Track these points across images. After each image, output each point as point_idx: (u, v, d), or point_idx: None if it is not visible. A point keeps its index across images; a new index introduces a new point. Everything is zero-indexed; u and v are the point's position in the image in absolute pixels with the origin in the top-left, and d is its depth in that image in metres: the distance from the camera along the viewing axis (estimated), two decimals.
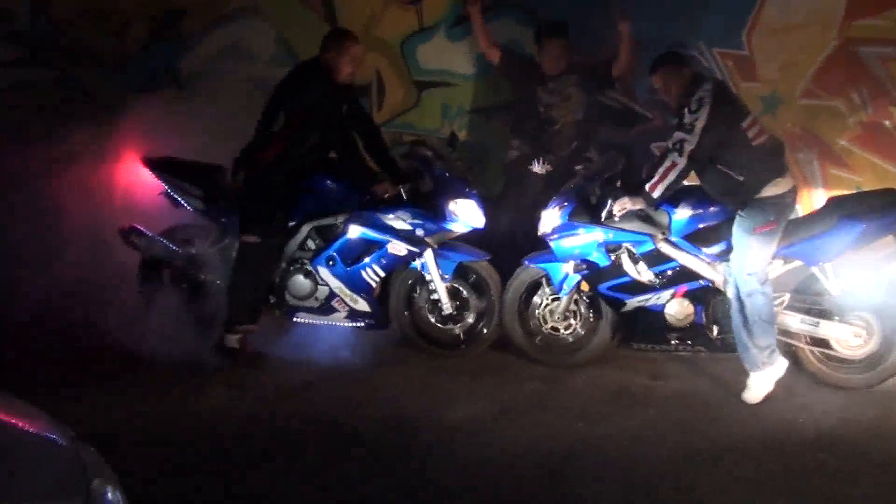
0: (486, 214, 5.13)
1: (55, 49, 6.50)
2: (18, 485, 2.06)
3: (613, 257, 4.80)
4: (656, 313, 4.82)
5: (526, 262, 5.08)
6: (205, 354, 4.93)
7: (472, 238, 5.23)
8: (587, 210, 4.82)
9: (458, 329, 5.26)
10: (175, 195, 5.23)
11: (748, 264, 4.45)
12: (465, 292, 5.23)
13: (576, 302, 5.08)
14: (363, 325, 5.20)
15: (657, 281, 4.78)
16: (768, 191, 4.48)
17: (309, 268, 5.13)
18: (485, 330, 5.26)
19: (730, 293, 4.55)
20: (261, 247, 4.97)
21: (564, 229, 4.82)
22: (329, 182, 5.13)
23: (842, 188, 5.57)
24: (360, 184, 5.15)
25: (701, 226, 4.67)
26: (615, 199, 4.60)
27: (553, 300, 5.09)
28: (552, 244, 4.88)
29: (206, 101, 5.84)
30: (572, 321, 5.12)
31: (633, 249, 4.77)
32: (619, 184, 4.76)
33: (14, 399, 2.44)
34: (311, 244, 5.18)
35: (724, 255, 4.62)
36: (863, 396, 4.61)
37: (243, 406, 4.45)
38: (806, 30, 5.64)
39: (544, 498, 3.59)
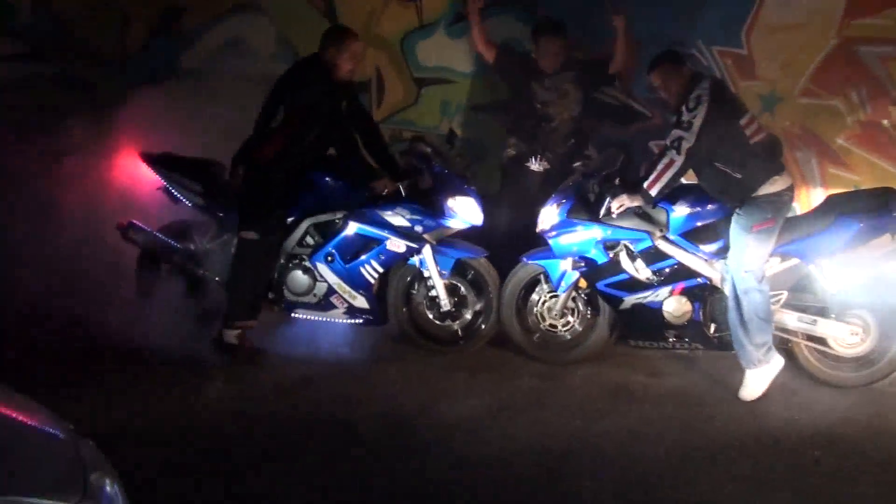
0: (485, 211, 5.14)
1: (56, 45, 6.50)
2: (17, 478, 2.06)
3: (611, 254, 4.81)
4: (654, 311, 4.83)
5: (524, 258, 5.09)
6: (203, 350, 4.93)
7: (470, 235, 5.24)
8: (585, 207, 4.83)
9: (456, 326, 5.26)
10: (174, 191, 5.23)
11: (745, 262, 4.46)
12: (463, 289, 5.24)
13: (574, 299, 5.10)
14: (361, 321, 5.21)
15: (655, 278, 4.79)
16: (766, 189, 4.49)
17: (308, 264, 5.14)
18: (483, 326, 5.27)
19: (727, 291, 4.56)
20: (259, 243, 4.97)
21: (563, 226, 4.84)
22: (328, 179, 5.13)
23: (840, 187, 5.58)
24: (359, 180, 5.15)
25: (699, 223, 4.69)
26: (613, 197, 4.62)
27: (551, 297, 5.10)
28: (550, 241, 4.89)
29: (206, 98, 5.85)
30: (570, 318, 5.13)
31: (632, 247, 4.78)
32: (617, 181, 4.77)
33: (14, 393, 2.44)
34: (309, 240, 5.18)
35: (722, 252, 4.63)
36: (859, 394, 4.62)
37: (242, 404, 4.45)
38: (805, 29, 5.65)
39: (543, 496, 3.60)
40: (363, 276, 5.10)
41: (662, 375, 4.97)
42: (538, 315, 5.15)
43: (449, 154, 5.39)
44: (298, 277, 5.15)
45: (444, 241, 5.18)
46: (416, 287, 5.28)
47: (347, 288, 5.11)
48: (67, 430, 2.37)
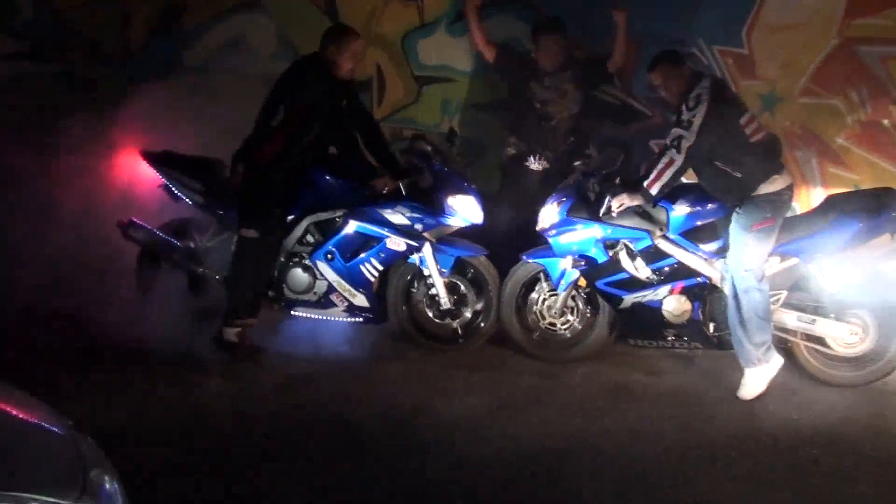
0: (485, 210, 5.14)
1: (57, 44, 6.50)
2: (17, 474, 2.07)
3: (611, 253, 4.82)
4: (653, 310, 4.84)
5: (524, 257, 5.09)
6: (203, 348, 4.93)
7: (470, 233, 5.24)
8: (585, 206, 4.83)
9: (455, 324, 5.26)
10: (174, 189, 5.24)
11: (745, 261, 4.46)
12: (462, 287, 5.24)
13: (573, 298, 5.10)
14: (361, 319, 5.21)
15: (654, 277, 4.79)
16: (765, 188, 4.50)
17: (308, 262, 5.14)
18: (482, 325, 5.27)
19: (726, 290, 4.56)
20: (259, 241, 4.97)
21: (563, 225, 4.84)
22: (328, 177, 5.13)
23: (840, 186, 5.59)
24: (359, 179, 5.15)
25: (698, 223, 4.69)
26: (613, 196, 4.62)
27: (551, 296, 5.11)
28: (550, 240, 4.89)
29: (207, 97, 5.85)
30: (570, 317, 5.13)
31: (631, 246, 4.78)
32: (617, 180, 4.77)
33: (14, 390, 2.45)
34: (309, 238, 5.18)
35: (722, 251, 4.64)
36: (859, 394, 4.62)
37: (242, 402, 4.45)
38: (805, 28, 5.65)
39: (542, 495, 3.60)
40: (363, 274, 5.10)
41: (662, 374, 4.97)
42: (538, 313, 5.15)
43: (449, 152, 5.39)
44: (298, 275, 5.15)
45: (444, 240, 5.18)
46: (415, 285, 5.28)
47: (347, 286, 5.11)
48: (67, 426, 2.37)
